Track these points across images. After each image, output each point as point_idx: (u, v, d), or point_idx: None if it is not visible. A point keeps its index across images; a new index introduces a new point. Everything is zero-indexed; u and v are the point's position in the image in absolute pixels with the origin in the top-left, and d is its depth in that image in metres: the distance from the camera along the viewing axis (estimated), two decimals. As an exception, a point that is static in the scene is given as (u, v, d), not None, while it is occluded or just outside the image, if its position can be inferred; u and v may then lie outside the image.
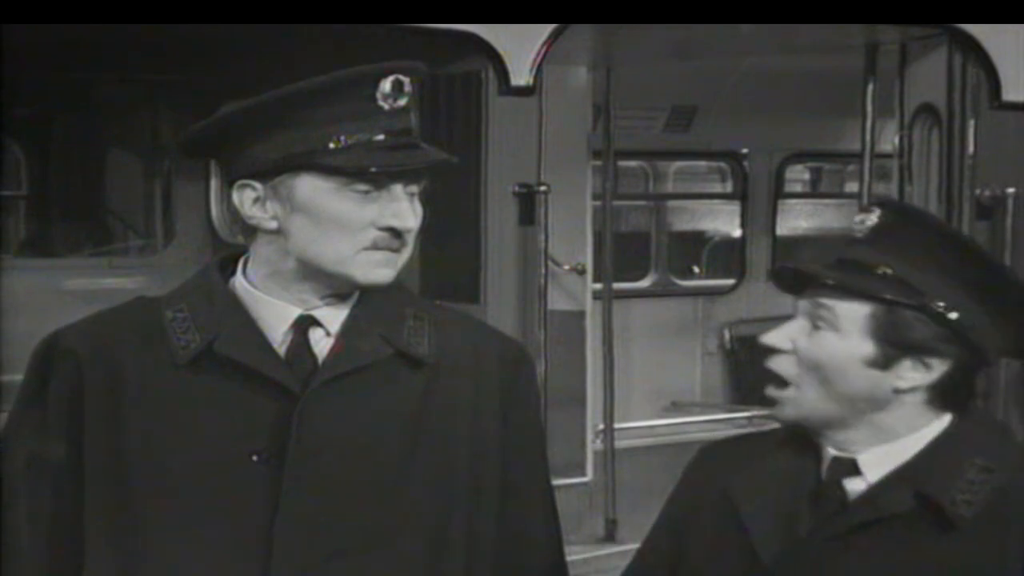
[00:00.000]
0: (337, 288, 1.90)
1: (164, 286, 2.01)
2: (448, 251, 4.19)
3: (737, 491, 1.97)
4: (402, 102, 1.86)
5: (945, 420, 1.93)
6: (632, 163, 7.07)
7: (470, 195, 4.04)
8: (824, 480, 1.92)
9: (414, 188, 1.87)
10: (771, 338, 1.90)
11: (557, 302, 4.62)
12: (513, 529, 2.02)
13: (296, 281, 1.89)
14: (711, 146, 6.79)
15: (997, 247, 4.21)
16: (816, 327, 1.88)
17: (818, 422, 1.91)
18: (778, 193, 7.06)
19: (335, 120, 1.84)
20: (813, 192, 8.25)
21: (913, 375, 1.88)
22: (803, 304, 1.90)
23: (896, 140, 4.53)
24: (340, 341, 1.89)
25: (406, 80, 1.86)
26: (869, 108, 4.73)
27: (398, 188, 1.84)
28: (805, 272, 1.91)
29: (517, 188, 4.07)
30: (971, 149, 4.19)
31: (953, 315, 1.87)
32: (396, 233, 1.84)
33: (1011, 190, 4.17)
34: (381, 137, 1.85)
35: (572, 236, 4.93)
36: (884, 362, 1.87)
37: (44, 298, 4.82)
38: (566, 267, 4.93)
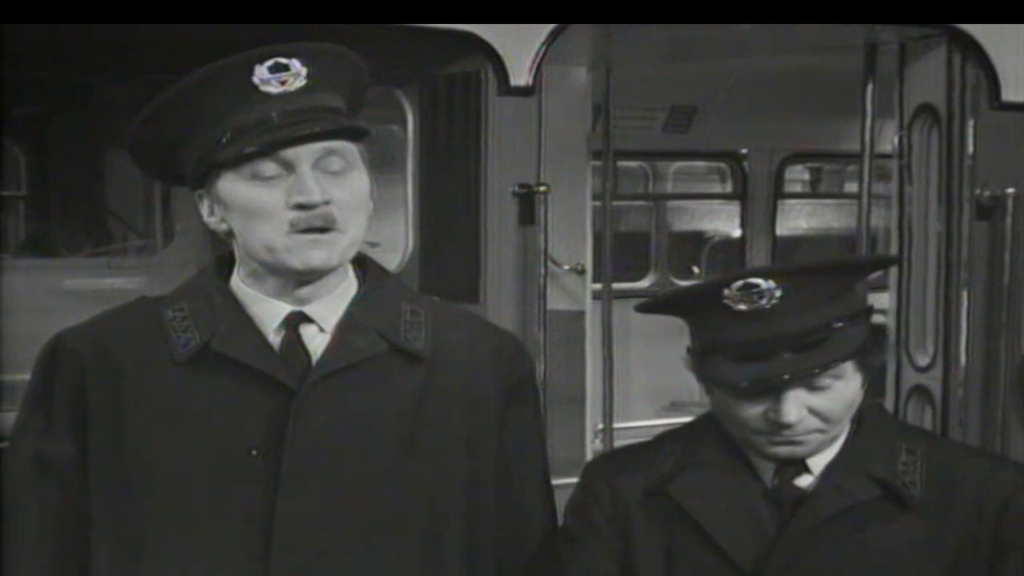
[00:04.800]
0: (287, 277, 1.87)
1: (164, 286, 2.02)
2: (448, 251, 4.19)
3: (683, 494, 2.04)
4: (295, 84, 1.82)
5: None
6: (632, 163, 7.06)
7: (470, 195, 4.04)
8: (777, 481, 2.02)
9: (335, 165, 1.84)
10: (791, 416, 1.98)
11: (557, 302, 4.61)
12: (511, 522, 2.04)
13: (266, 277, 1.89)
14: (711, 146, 6.78)
15: (997, 247, 4.20)
16: (820, 387, 1.99)
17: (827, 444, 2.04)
18: (778, 193, 7.04)
19: (221, 112, 1.82)
20: (813, 192, 8.25)
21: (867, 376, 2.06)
22: (789, 384, 1.97)
23: (896, 140, 4.52)
24: (336, 337, 1.90)
25: (292, 61, 1.82)
26: (869, 108, 4.72)
27: (305, 166, 1.81)
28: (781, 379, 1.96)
29: (517, 188, 4.06)
30: (971, 149, 4.19)
31: (874, 315, 2.04)
32: (308, 209, 1.81)
33: (1011, 190, 4.16)
34: (272, 119, 1.80)
35: (572, 236, 4.92)
36: (865, 380, 2.05)
37: (44, 298, 4.80)
38: (566, 267, 4.93)
